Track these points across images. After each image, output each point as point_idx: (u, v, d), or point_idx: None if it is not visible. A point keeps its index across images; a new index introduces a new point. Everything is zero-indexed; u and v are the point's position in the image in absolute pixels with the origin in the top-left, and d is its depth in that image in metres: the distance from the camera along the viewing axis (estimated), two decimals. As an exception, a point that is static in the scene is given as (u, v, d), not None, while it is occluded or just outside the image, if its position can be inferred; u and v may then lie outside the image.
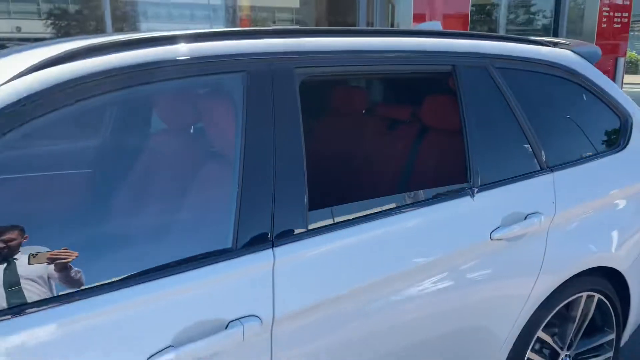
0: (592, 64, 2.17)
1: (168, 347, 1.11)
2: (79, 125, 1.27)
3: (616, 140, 2.10)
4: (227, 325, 1.17)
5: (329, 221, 1.37)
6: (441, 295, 1.52)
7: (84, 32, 5.43)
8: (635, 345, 2.50)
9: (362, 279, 1.38)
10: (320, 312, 1.31)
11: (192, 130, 1.42)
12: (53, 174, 1.46)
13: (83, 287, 1.07)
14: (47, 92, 1.07)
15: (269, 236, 1.28)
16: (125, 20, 5.63)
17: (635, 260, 2.01)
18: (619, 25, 8.42)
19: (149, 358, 1.09)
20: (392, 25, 7.41)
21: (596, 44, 7.51)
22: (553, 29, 9.61)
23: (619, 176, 2.03)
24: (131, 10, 5.68)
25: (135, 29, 5.67)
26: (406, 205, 1.52)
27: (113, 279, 1.10)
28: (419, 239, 1.49)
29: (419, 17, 6.02)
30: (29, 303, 1.04)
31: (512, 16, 9.82)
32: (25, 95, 1.06)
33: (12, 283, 1.04)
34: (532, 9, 10.00)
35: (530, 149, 1.79)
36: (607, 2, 8.17)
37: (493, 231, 1.61)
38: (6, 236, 1.04)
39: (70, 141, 1.37)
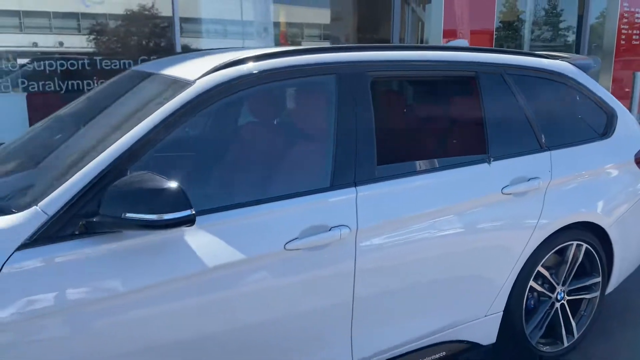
0: (586, 72, 2.83)
1: (295, 238, 1.81)
2: (249, 102, 1.99)
3: (603, 130, 2.75)
4: (330, 229, 1.86)
5: (391, 172, 2.06)
6: (468, 227, 2.19)
7: (154, 48, 6.26)
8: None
9: (411, 211, 2.06)
10: (381, 229, 1.99)
11: (308, 110, 2.13)
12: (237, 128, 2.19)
13: (253, 199, 1.79)
14: (229, 82, 1.80)
15: (353, 180, 1.97)
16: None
17: (617, 221, 2.63)
18: (638, 42, 8.93)
19: (285, 244, 1.79)
20: (421, 40, 8.10)
21: (615, 60, 8.13)
22: (576, 45, 10.12)
23: (605, 156, 2.68)
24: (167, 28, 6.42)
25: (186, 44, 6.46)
26: (443, 166, 2.20)
27: (271, 195, 1.81)
28: (452, 188, 2.17)
29: (448, 33, 6.65)
30: (216, 207, 1.74)
31: (537, 32, 10.39)
32: (216, 84, 1.79)
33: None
34: (556, 27, 10.54)
35: (533, 133, 2.45)
36: (626, 20, 8.69)
37: (504, 187, 2.27)
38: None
39: (244, 112, 2.08)
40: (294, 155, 2.05)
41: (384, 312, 2.06)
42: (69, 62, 5.80)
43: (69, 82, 5.81)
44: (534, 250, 2.38)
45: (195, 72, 1.86)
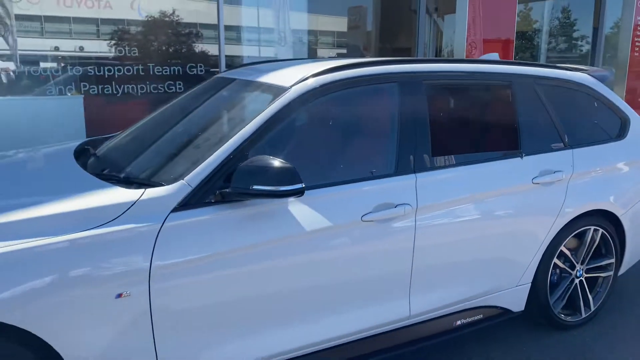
0: (602, 82, 3.28)
1: (370, 212, 2.27)
2: (333, 104, 2.45)
3: (618, 132, 3.19)
4: (396, 206, 2.33)
5: (442, 163, 2.53)
6: (504, 210, 2.64)
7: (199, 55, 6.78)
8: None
9: (458, 195, 2.52)
10: (435, 208, 2.44)
11: (378, 111, 2.60)
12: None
13: (339, 180, 2.26)
14: (318, 88, 2.28)
15: (412, 167, 2.43)
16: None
17: (629, 210, 3.07)
18: (651, 54, 9.30)
19: (362, 216, 2.25)
20: (440, 48, 8.54)
21: (629, 71, 8.53)
22: (590, 56, 10.51)
23: (619, 155, 3.13)
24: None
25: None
26: (484, 159, 2.66)
27: (352, 178, 2.28)
28: (490, 177, 2.63)
29: (472, 43, 7.07)
30: (311, 185, 2.21)
31: (552, 44, 10.80)
32: (307, 89, 2.27)
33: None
34: (571, 37, 10.94)
35: (558, 134, 2.91)
36: (640, 32, 9.08)
37: (534, 178, 2.73)
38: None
39: (329, 112, 2.53)
40: (368, 147, 2.52)
41: (436, 276, 2.52)
42: (125, 68, 6.33)
43: (124, 86, 6.34)
44: (558, 232, 2.83)
45: (289, 80, 2.34)
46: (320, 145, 2.45)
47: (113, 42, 6.53)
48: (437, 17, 8.87)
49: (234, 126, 2.23)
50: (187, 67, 6.71)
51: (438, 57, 2.62)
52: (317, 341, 2.27)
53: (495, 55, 3.76)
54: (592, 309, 3.09)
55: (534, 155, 2.79)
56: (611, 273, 3.13)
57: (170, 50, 6.75)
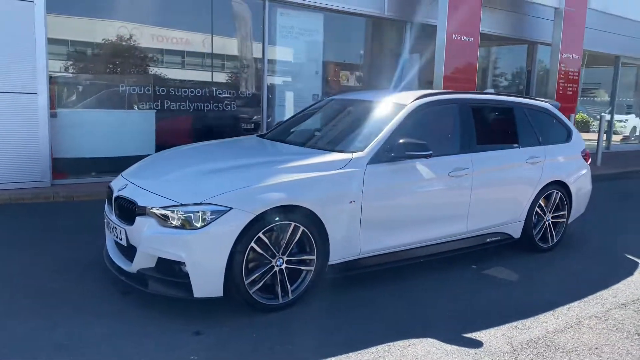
0: (557, 109, 5.53)
1: (452, 171, 4.26)
2: (431, 113, 4.44)
3: (566, 138, 5.43)
4: (463, 169, 4.33)
5: (482, 148, 4.59)
6: (512, 175, 4.74)
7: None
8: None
9: (491, 166, 4.58)
10: (481, 172, 4.48)
11: (451, 119, 4.61)
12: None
13: (440, 154, 4.25)
14: (426, 104, 4.29)
15: (469, 149, 4.46)
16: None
17: (573, 182, 5.27)
18: (571, 93, 12.10)
19: (448, 173, 4.24)
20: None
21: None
22: (525, 92, 13.21)
23: (566, 151, 5.36)
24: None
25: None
26: (500, 148, 4.76)
27: (443, 153, 4.28)
28: (505, 157, 4.74)
29: (446, 79, 9.31)
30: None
31: (496, 81, 13.46)
32: (417, 106, 4.27)
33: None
34: (510, 77, 13.69)
35: (536, 137, 5.07)
36: (563, 76, 11.83)
37: (526, 160, 4.86)
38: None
39: (429, 117, 4.51)
40: (447, 136, 4.53)
41: (480, 210, 4.53)
42: (196, 90, 8.09)
43: (191, 104, 8.05)
44: (538, 192, 4.96)
45: (406, 100, 4.33)
46: (424, 134, 4.42)
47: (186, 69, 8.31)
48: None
49: (382, 122, 4.17)
50: (239, 92, 8.55)
51: (475, 91, 4.59)
52: (422, 239, 4.20)
53: (491, 91, 5.97)
54: (550, 243, 5.21)
55: (525, 147, 4.94)
56: (564, 220, 5.30)
57: (229, 77, 8.61)
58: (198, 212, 3.23)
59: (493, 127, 5.01)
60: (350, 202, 3.71)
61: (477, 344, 3.19)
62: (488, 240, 4.71)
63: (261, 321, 3.35)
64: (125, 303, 3.55)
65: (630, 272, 4.65)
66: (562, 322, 3.55)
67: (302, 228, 3.49)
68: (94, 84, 7.54)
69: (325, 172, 3.67)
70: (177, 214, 3.26)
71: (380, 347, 3.08)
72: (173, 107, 7.86)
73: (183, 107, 7.86)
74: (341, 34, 10.09)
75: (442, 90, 4.75)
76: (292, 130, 4.86)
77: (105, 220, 3.90)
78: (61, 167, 7.03)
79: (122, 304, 3.53)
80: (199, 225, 3.22)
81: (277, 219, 3.38)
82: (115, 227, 3.63)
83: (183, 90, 7.80)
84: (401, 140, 3.94)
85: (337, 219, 3.64)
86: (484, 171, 4.53)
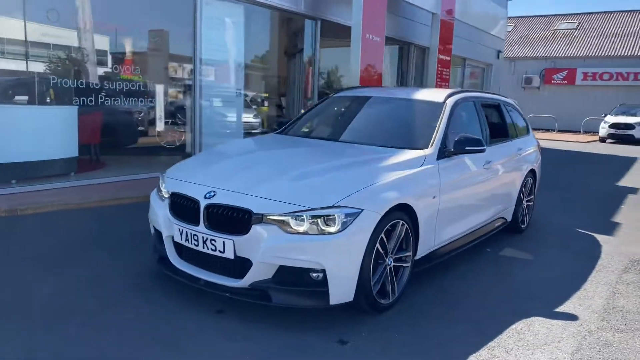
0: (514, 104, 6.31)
1: (484, 164, 4.65)
2: (461, 109, 4.73)
3: (527, 131, 6.23)
4: (489, 162, 4.75)
5: (493, 141, 5.07)
6: (510, 165, 5.32)
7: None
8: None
9: (499, 159, 5.08)
10: (496, 163, 4.96)
11: (473, 113, 4.96)
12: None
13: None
14: (459, 101, 4.60)
15: (484, 144, 4.87)
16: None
17: (536, 168, 6.09)
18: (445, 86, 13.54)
19: (483, 165, 4.61)
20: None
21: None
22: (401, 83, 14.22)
23: (531, 142, 6.15)
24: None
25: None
26: (502, 140, 5.30)
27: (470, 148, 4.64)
28: (506, 149, 5.29)
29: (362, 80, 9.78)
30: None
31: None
32: (453, 103, 4.56)
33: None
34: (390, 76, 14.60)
35: (515, 131, 5.75)
36: (439, 75, 13.18)
37: (518, 150, 5.49)
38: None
39: (460, 112, 4.78)
40: (473, 131, 4.87)
41: (498, 197, 5.01)
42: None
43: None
44: (523, 180, 5.64)
45: (440, 98, 4.59)
46: (461, 130, 4.68)
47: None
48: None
49: (430, 119, 4.37)
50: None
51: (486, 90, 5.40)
52: (468, 228, 4.53)
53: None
54: (528, 220, 5.98)
55: (513, 140, 5.58)
56: (533, 203, 6.10)
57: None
58: (332, 215, 3.08)
59: (494, 123, 5.54)
60: (433, 197, 3.84)
61: (572, 317, 3.60)
62: (496, 225, 5.23)
63: (382, 321, 3.33)
64: (229, 321, 3.22)
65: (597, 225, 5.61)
66: (606, 278, 4.18)
67: (406, 226, 3.54)
68: None
69: (412, 170, 3.75)
70: (306, 219, 3.07)
71: (504, 331, 3.33)
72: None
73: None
74: (257, 28, 9.91)
75: (459, 89, 5.14)
76: (333, 128, 4.81)
77: (163, 234, 3.54)
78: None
79: (229, 323, 3.19)
80: (334, 229, 3.07)
81: (394, 218, 3.38)
82: (207, 239, 3.24)
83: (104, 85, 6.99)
84: (460, 137, 4.19)
85: (426, 215, 3.75)
86: (500, 162, 5.02)
